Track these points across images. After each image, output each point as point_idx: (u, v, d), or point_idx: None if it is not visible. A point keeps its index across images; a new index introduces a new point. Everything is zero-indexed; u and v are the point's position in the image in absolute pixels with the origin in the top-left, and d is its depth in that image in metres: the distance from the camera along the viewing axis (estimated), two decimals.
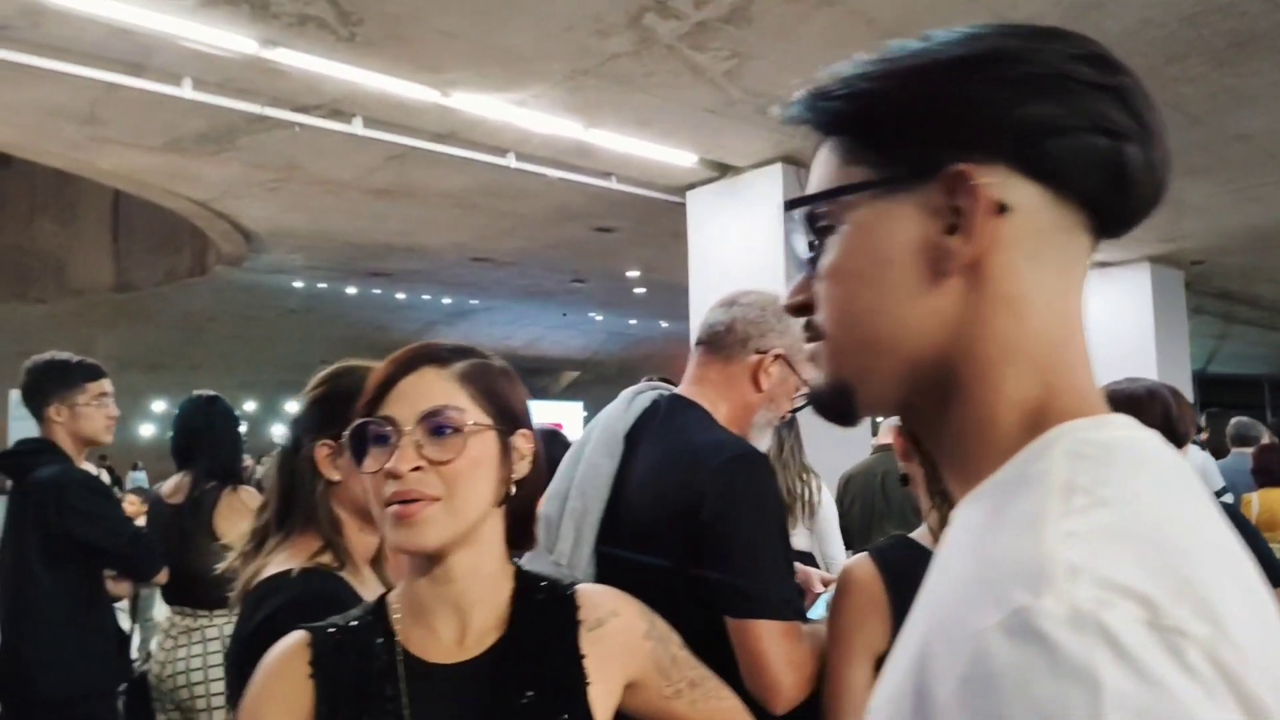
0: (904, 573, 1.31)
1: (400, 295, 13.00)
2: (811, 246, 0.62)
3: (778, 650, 1.38)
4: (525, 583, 1.02)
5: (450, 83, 4.78)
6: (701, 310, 6.79)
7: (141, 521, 3.09)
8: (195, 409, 2.95)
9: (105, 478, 3.67)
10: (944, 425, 0.59)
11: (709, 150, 5.86)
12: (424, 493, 0.91)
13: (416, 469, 0.91)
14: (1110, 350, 7.33)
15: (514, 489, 0.98)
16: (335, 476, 1.31)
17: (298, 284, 12.21)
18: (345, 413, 1.31)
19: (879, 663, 1.32)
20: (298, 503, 1.32)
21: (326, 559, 1.29)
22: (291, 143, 5.67)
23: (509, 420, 0.97)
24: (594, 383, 18.08)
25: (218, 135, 5.67)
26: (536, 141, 5.59)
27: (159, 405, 17.58)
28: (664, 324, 15.52)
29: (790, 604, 1.43)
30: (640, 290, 12.16)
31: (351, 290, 12.70)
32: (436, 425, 0.92)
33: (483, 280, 11.51)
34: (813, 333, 0.63)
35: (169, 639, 2.79)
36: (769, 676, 1.37)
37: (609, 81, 4.76)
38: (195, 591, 2.82)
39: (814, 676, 1.39)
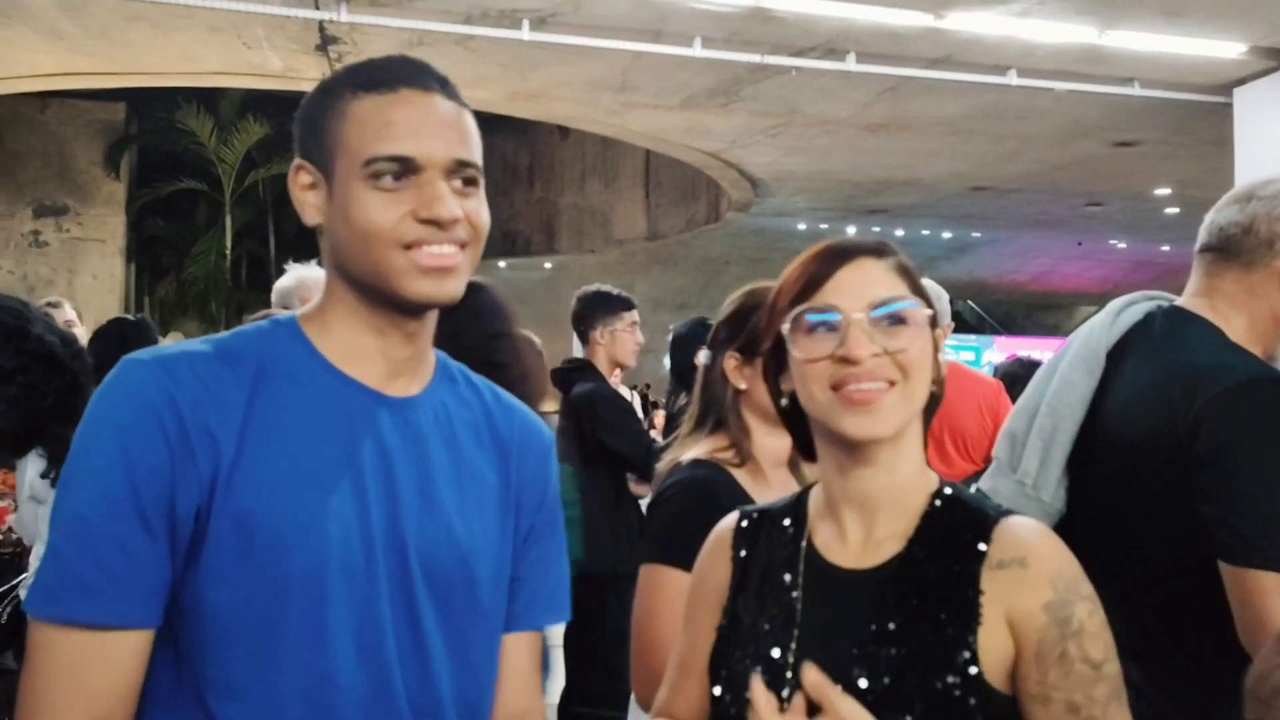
0: None
1: (899, 232, 12.91)
2: None
3: None
4: (944, 499, 0.95)
5: (944, 4, 4.61)
6: None
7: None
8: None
9: (637, 401, 4.25)
10: None
11: (1265, 35, 4.89)
12: (887, 377, 0.91)
13: (875, 356, 0.90)
14: None
15: (936, 388, 0.95)
16: (742, 385, 1.42)
17: (801, 226, 12.74)
18: (750, 326, 1.41)
19: None
20: (711, 409, 1.47)
21: (726, 455, 1.41)
22: (789, 87, 5.93)
23: (933, 315, 0.95)
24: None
25: (724, 88, 6.13)
26: (1041, 54, 5.15)
27: None
28: None
29: None
30: (1172, 210, 10.61)
31: (851, 229, 12.91)
32: (892, 315, 0.91)
33: (984, 210, 10.96)
34: None
35: None
36: (1271, 636, 1.19)
37: None
38: None
39: None
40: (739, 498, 1.35)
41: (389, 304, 0.90)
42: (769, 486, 1.42)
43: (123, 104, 12.74)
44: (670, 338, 3.15)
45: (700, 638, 1.02)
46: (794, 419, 1.02)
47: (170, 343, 0.99)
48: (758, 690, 0.88)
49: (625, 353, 3.11)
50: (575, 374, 3.10)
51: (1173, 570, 1.31)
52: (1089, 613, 0.89)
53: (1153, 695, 1.01)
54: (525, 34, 5.00)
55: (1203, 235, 1.41)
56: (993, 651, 0.88)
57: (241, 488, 0.84)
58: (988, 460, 3.09)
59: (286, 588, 0.84)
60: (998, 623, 0.88)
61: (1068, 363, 1.46)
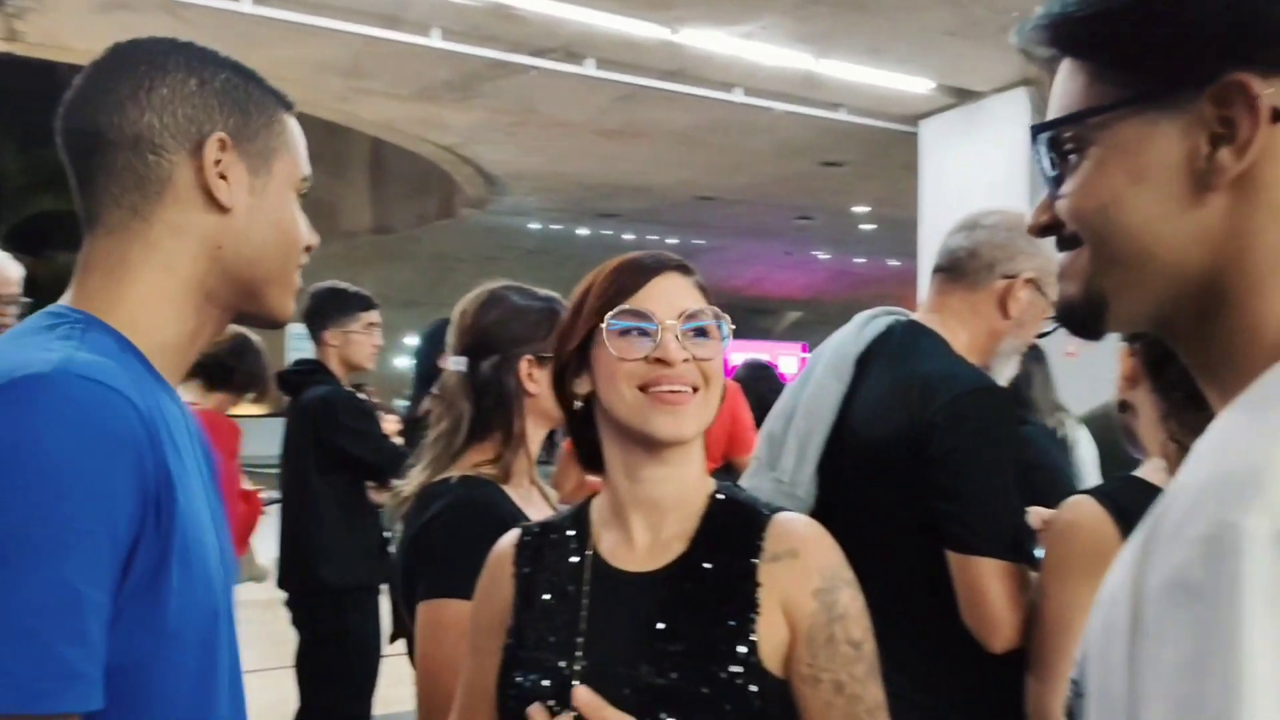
0: (1138, 516, 1.20)
1: (628, 236, 13.34)
2: (1054, 165, 0.62)
3: (999, 589, 1.35)
4: (721, 501, 1.01)
5: (679, 19, 4.80)
6: (932, 247, 6.53)
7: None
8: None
9: None
10: (1206, 339, 0.59)
11: (946, 76, 5.54)
12: (693, 383, 0.96)
13: (685, 361, 0.96)
14: None
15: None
16: (535, 389, 1.37)
17: (534, 226, 12.81)
18: (554, 330, 1.36)
19: None
20: (488, 416, 1.37)
21: (492, 470, 1.35)
22: (528, 87, 5.92)
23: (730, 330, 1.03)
24: (816, 323, 17.80)
25: (463, 82, 6.02)
26: (763, 75, 5.51)
27: (412, 340, 19.05)
28: (892, 263, 14.98)
29: (1017, 545, 1.39)
30: (867, 227, 11.78)
31: (583, 231, 13.16)
32: (700, 326, 0.98)
33: (708, 219, 11.58)
34: (1065, 245, 0.63)
35: None
36: (989, 615, 1.35)
37: (842, 8, 4.61)
38: None
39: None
40: (516, 514, 1.29)
41: (249, 307, 0.88)
42: (530, 500, 1.38)
43: None
44: (420, 338, 3.03)
45: (487, 661, 1.00)
46: (582, 425, 1.03)
47: None
48: (534, 714, 0.89)
49: (361, 355, 2.94)
50: (306, 376, 2.90)
51: (910, 560, 1.44)
52: (851, 597, 0.97)
53: (890, 674, 1.12)
54: (245, 6, 4.61)
55: (937, 257, 1.58)
56: (770, 639, 0.93)
57: (182, 527, 0.74)
58: (725, 457, 3.26)
59: (215, 635, 0.78)
60: (774, 611, 0.94)
61: (821, 369, 1.58)
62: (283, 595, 2.90)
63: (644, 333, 0.96)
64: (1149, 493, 1.22)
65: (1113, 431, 3.43)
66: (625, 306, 0.97)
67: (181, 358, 0.86)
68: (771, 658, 0.93)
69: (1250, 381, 0.55)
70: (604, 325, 0.97)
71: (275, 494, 3.10)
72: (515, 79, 5.79)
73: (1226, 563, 0.44)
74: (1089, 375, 3.12)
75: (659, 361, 0.95)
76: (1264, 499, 0.45)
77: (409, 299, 17.09)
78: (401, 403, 4.55)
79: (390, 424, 3.22)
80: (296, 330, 3.42)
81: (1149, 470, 1.28)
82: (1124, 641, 0.50)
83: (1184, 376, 1.17)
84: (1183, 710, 0.44)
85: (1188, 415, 1.17)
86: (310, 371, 2.92)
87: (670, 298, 0.98)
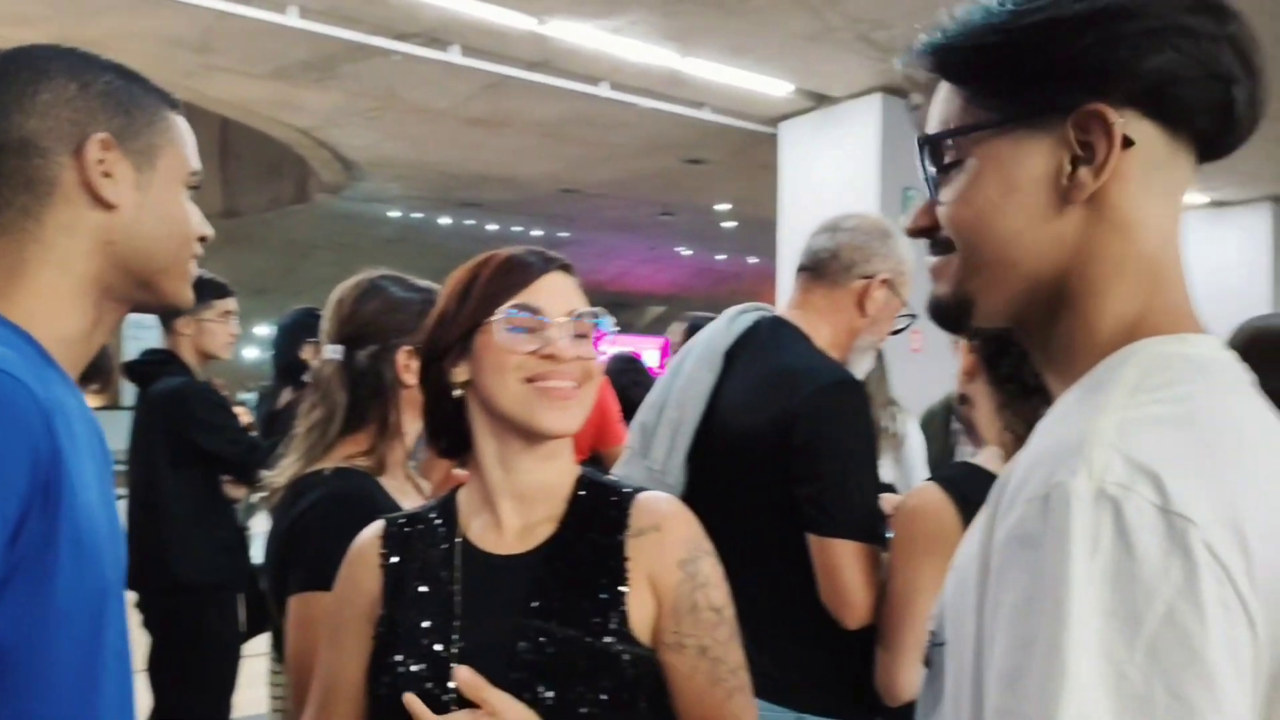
0: (976, 500, 1.29)
1: (492, 226, 13.18)
2: (937, 173, 0.70)
3: (854, 569, 1.44)
4: (586, 484, 1.05)
5: (546, 9, 4.79)
6: (790, 244, 6.72)
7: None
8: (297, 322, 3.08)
9: None
10: (1051, 334, 0.68)
11: (805, 80, 5.74)
12: (577, 379, 0.99)
13: (572, 358, 0.99)
14: (1224, 290, 6.95)
15: None
16: (412, 381, 1.34)
17: (394, 214, 12.48)
18: (439, 320, 1.36)
19: None
20: (363, 406, 1.36)
21: (366, 462, 1.34)
22: (390, 71, 5.77)
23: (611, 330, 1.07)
24: (678, 319, 18.11)
25: (320, 63, 5.80)
26: (630, 70, 5.57)
27: (263, 329, 18.22)
28: (752, 260, 15.39)
29: (872, 529, 1.49)
30: (729, 224, 12.06)
31: (445, 221, 12.92)
32: (584, 327, 1.02)
33: (572, 212, 11.58)
34: (939, 249, 0.71)
35: None
36: (845, 593, 1.44)
37: (707, 7, 4.70)
38: None
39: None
40: (392, 506, 1.28)
41: (146, 297, 0.93)
42: (405, 492, 1.37)
43: None
44: (276, 328, 2.92)
45: (350, 656, 0.99)
46: (447, 414, 1.04)
47: None
48: (413, 705, 0.90)
49: (216, 345, 2.82)
50: (157, 367, 2.76)
51: (772, 542, 1.51)
52: (712, 566, 1.03)
53: (752, 653, 1.17)
54: None
55: (801, 257, 1.66)
56: (639, 610, 0.98)
57: (72, 510, 0.78)
58: (593, 449, 3.30)
59: (104, 612, 0.81)
60: (642, 583, 0.99)
61: (691, 362, 1.64)
62: (133, 596, 2.76)
63: (532, 328, 0.98)
64: (985, 478, 1.32)
65: (953, 427, 3.63)
66: (519, 300, 0.99)
67: (82, 351, 0.89)
68: (641, 628, 0.98)
69: (1085, 371, 0.64)
70: (497, 317, 0.98)
71: (119, 490, 2.94)
72: (376, 62, 5.63)
73: (1056, 516, 0.53)
74: (931, 370, 3.32)
75: (548, 357, 0.98)
76: (1087, 463, 0.54)
77: (260, 287, 16.33)
78: (247, 395, 4.37)
79: (243, 415, 3.10)
80: (134, 318, 3.23)
81: (985, 458, 1.39)
82: (975, 591, 0.59)
83: (1016, 371, 1.29)
84: (1020, 642, 0.52)
85: (1019, 405, 1.28)
86: (162, 362, 2.78)
87: (560, 296, 1.01)
